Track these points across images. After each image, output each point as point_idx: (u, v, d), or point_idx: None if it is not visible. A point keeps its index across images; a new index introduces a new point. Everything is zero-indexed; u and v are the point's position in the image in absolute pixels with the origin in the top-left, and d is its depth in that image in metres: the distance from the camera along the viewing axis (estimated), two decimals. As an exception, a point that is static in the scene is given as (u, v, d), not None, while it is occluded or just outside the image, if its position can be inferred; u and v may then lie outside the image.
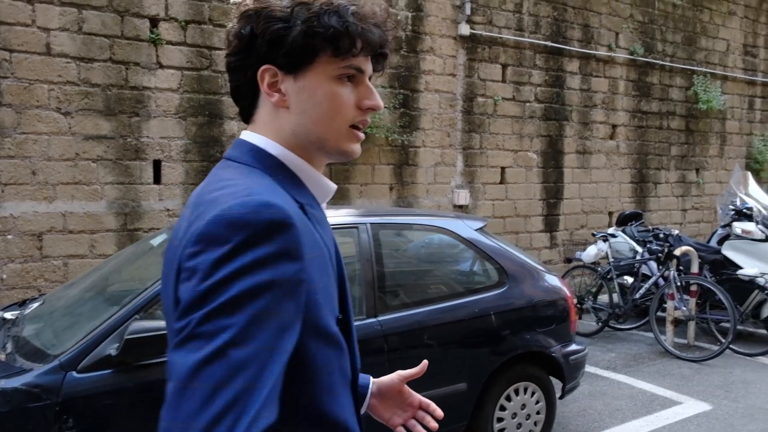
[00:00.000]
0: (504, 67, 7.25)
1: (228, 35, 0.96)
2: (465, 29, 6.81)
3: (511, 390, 3.48)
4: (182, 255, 0.82)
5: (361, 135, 0.99)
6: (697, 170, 9.36)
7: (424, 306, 3.20)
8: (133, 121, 5.21)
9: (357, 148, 0.99)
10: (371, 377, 1.23)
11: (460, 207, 7.01)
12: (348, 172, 6.25)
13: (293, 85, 0.93)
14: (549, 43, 7.52)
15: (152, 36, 5.21)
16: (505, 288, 3.49)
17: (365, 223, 3.21)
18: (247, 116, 1.00)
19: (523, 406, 3.54)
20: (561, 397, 3.82)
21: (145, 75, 5.23)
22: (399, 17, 6.45)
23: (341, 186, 6.18)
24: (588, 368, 5.27)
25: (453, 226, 3.52)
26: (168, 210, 5.40)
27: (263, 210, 0.80)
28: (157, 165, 5.35)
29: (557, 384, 3.77)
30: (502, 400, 3.44)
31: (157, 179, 5.36)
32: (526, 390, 3.55)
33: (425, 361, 1.24)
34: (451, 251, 3.57)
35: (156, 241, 3.44)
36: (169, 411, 0.75)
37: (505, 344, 3.41)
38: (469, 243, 3.53)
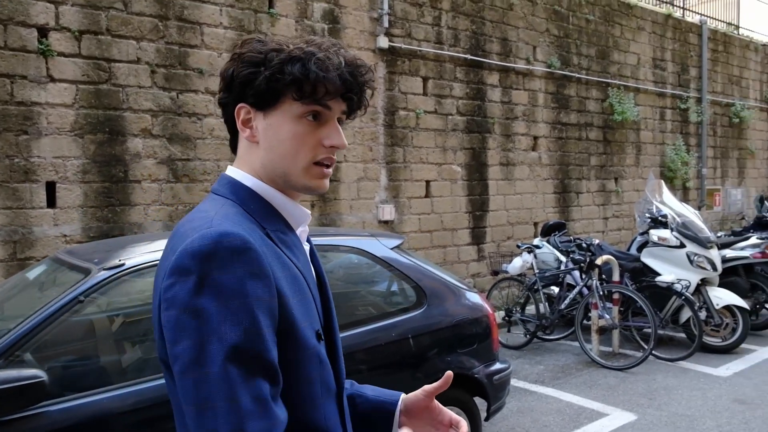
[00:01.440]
0: (425, 80, 7.19)
1: (220, 75, 1.08)
2: (384, 42, 6.70)
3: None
4: (161, 287, 0.91)
5: (327, 171, 1.05)
6: (616, 179, 9.64)
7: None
8: (21, 139, 4.73)
9: (322, 183, 1.05)
10: (402, 394, 1.22)
11: (386, 222, 6.84)
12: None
13: (262, 121, 1.03)
14: (469, 56, 7.53)
15: (41, 47, 4.77)
16: (423, 308, 3.31)
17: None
18: (233, 147, 1.10)
19: (447, 433, 3.35)
20: (486, 419, 3.67)
21: (33, 89, 4.77)
22: (315, 29, 6.26)
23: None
24: (517, 383, 5.20)
25: (367, 246, 3.32)
26: (65, 236, 4.93)
27: (222, 239, 0.90)
28: (50, 187, 4.88)
29: (483, 404, 3.62)
30: (425, 428, 3.24)
31: (51, 203, 4.89)
32: (449, 415, 3.36)
33: (449, 372, 1.19)
34: (365, 272, 3.36)
35: (33, 273, 3.05)
36: (196, 429, 0.87)
37: (425, 368, 3.23)
38: (385, 263, 3.34)
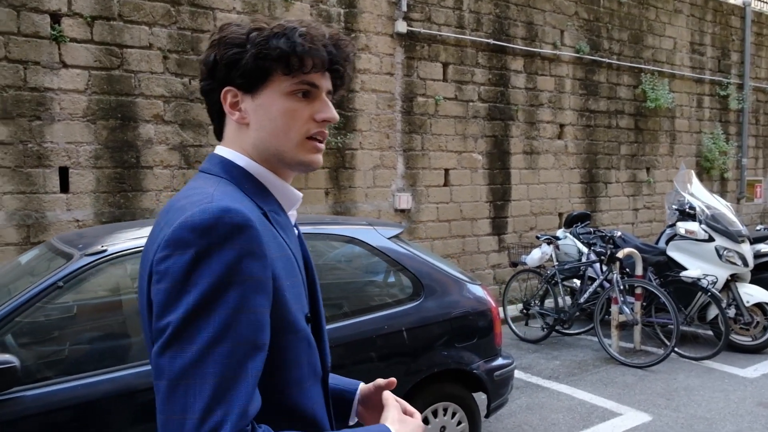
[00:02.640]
0: (445, 65, 7.00)
1: (200, 63, 1.05)
2: (402, 26, 6.54)
3: (428, 412, 3.18)
4: (153, 259, 0.88)
5: (321, 146, 1.04)
6: (648, 169, 9.27)
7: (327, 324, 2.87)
8: (34, 125, 4.78)
9: (316, 158, 1.04)
10: (361, 383, 1.24)
11: (402, 211, 6.72)
12: (279, 177, 5.90)
13: (251, 103, 1.01)
14: (492, 41, 7.30)
15: (54, 33, 4.80)
16: (419, 301, 3.20)
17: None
18: (219, 134, 1.09)
19: (443, 429, 3.25)
20: (487, 416, 3.54)
21: (46, 75, 4.81)
22: (330, 13, 6.14)
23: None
24: (530, 378, 5.05)
25: (363, 236, 3.22)
26: (77, 221, 4.98)
27: (224, 215, 0.87)
28: (63, 172, 4.93)
29: (484, 401, 3.50)
30: (419, 424, 3.14)
31: (64, 187, 4.94)
32: (446, 411, 3.26)
33: (393, 379, 1.19)
34: (360, 263, 3.26)
35: (25, 258, 3.05)
36: (164, 406, 0.83)
37: (420, 362, 3.12)
38: (381, 253, 3.23)
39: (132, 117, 5.17)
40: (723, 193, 10.53)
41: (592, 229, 6.24)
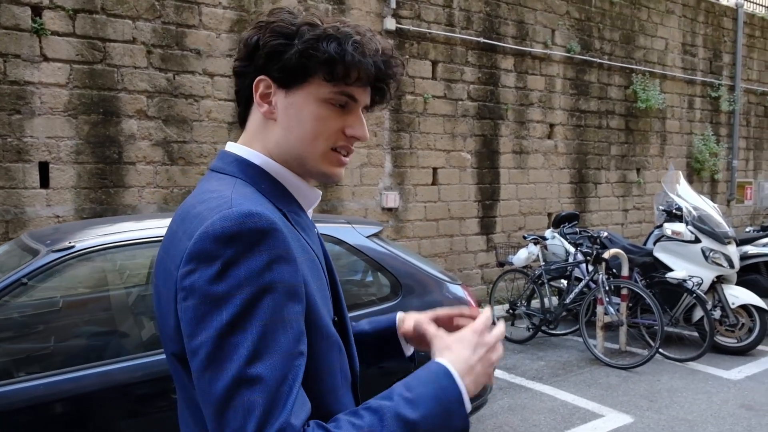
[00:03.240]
0: (434, 63, 6.96)
1: (240, 42, 0.98)
2: (391, 24, 6.50)
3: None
4: (177, 275, 0.82)
5: (345, 160, 0.99)
6: (638, 170, 9.26)
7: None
8: (13, 119, 4.72)
9: (338, 171, 0.99)
10: (399, 313, 1.21)
11: (390, 209, 6.69)
12: (265, 174, 5.84)
13: (284, 99, 0.95)
14: (482, 40, 7.27)
15: (35, 26, 4.73)
16: (397, 300, 3.16)
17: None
18: (242, 121, 1.02)
19: (420, 430, 3.21)
20: (466, 417, 3.50)
21: (27, 68, 4.74)
22: (319, 9, 6.09)
23: (257, 189, 5.78)
24: (513, 379, 5.03)
25: (342, 234, 3.18)
26: (58, 216, 4.92)
27: (247, 220, 0.82)
28: (43, 167, 4.87)
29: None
30: (395, 425, 3.10)
31: (44, 183, 4.88)
32: (423, 412, 3.22)
33: (424, 315, 1.17)
34: (338, 262, 3.22)
35: (-5, 254, 3.00)
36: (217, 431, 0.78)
37: (394, 363, 3.07)
38: (359, 252, 3.19)
39: (114, 112, 5.11)
40: (713, 195, 10.54)
41: (578, 230, 6.21)
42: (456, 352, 0.94)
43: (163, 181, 5.35)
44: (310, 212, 1.03)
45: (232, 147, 1.00)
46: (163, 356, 2.51)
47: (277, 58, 0.93)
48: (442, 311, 1.17)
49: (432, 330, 1.03)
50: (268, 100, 0.96)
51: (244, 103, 1.00)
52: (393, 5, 6.49)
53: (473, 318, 1.09)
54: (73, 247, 2.51)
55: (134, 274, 2.77)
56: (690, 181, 10.11)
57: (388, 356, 1.23)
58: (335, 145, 0.97)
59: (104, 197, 5.09)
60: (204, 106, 5.49)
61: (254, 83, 0.96)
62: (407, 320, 1.19)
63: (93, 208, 5.03)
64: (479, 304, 7.17)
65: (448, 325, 1.14)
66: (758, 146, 11.37)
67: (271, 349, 0.78)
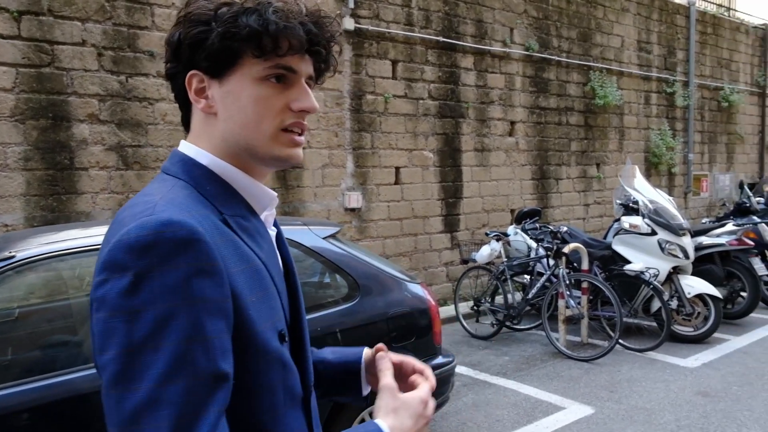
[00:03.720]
0: (394, 63, 6.96)
1: (164, 43, 0.94)
2: (350, 23, 6.47)
3: (365, 413, 3.13)
4: (93, 284, 0.78)
5: (299, 139, 0.93)
6: (598, 165, 9.44)
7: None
8: (-43, 125, 4.54)
9: (294, 152, 0.93)
10: (366, 349, 1.14)
11: (353, 210, 6.66)
12: (224, 177, 5.75)
13: (219, 90, 0.90)
14: (441, 39, 7.30)
15: (-23, 28, 4.57)
16: (355, 301, 3.14)
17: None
18: (186, 124, 0.97)
19: (381, 431, 3.19)
20: (428, 416, 3.51)
21: (-30, 73, 4.57)
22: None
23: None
24: (478, 375, 5.06)
25: (297, 236, 3.14)
26: (6, 225, 4.75)
27: (165, 229, 0.76)
28: (-10, 175, 4.70)
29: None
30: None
31: (-9, 191, 4.71)
32: (384, 412, 3.21)
33: (380, 345, 1.10)
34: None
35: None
36: None
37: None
38: (316, 254, 3.16)
39: (65, 116, 4.96)
40: (671, 188, 10.81)
41: (538, 225, 6.29)
42: (400, 420, 0.91)
43: (117, 186, 5.22)
44: (266, 215, 0.97)
45: (181, 146, 0.94)
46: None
47: (200, 47, 0.88)
48: (408, 362, 1.09)
49: (388, 379, 0.97)
50: (204, 94, 0.91)
51: (184, 106, 0.95)
52: (351, 5, 6.46)
53: (423, 375, 1.05)
54: (13, 257, 2.42)
55: (76, 285, 2.68)
56: (648, 175, 10.36)
57: (343, 391, 1.17)
58: (284, 125, 0.91)
59: (56, 204, 4.94)
60: (159, 109, 5.38)
61: (186, 80, 0.91)
62: (369, 354, 1.14)
63: (44, 215, 4.88)
64: (444, 302, 7.21)
65: (403, 373, 1.09)
66: (712, 140, 11.70)
67: (186, 371, 0.73)
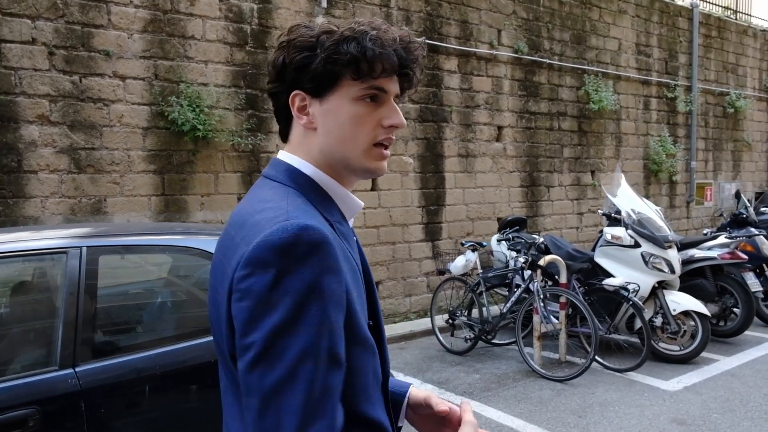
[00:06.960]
0: (371, 64, 6.69)
1: (268, 65, 1.06)
2: (322, 23, 6.22)
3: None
4: (234, 277, 0.90)
5: (387, 153, 1.05)
6: (593, 172, 9.08)
7: (148, 350, 2.53)
8: None
9: (382, 165, 1.05)
10: (412, 386, 1.25)
11: (325, 217, 6.39)
12: (186, 182, 5.53)
13: (319, 108, 1.02)
14: (423, 40, 7.02)
15: None
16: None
17: (79, 246, 2.53)
18: (284, 136, 1.09)
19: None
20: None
21: None
22: (242, 9, 5.80)
23: (177, 198, 5.47)
24: (442, 395, 4.76)
25: (205, 245, 2.87)
26: (-51, 231, 4.55)
27: (302, 233, 0.88)
28: (-68, 178, 4.51)
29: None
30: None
31: (-67, 195, 4.53)
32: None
33: (465, 401, 1.22)
34: (200, 277, 2.91)
35: None
36: (257, 423, 0.85)
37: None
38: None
39: (12, 117, 4.77)
40: (672, 197, 10.41)
41: (512, 236, 5.96)
42: None
43: (69, 190, 5.01)
44: (351, 221, 1.08)
45: (283, 156, 1.06)
46: (18, 382, 2.17)
47: (304, 70, 0.99)
48: (455, 410, 1.20)
49: (470, 416, 1.13)
50: (306, 111, 1.02)
51: (284, 120, 1.07)
52: (324, 4, 6.22)
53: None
54: None
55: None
56: (647, 183, 9.98)
57: None
58: (377, 140, 1.02)
59: (1, 209, 4.74)
60: (115, 111, 5.17)
61: (290, 99, 1.03)
62: (419, 394, 1.23)
63: (-12, 220, 4.69)
64: (424, 314, 6.91)
65: (438, 419, 1.21)
66: (717, 147, 11.27)
67: (317, 354, 0.85)
